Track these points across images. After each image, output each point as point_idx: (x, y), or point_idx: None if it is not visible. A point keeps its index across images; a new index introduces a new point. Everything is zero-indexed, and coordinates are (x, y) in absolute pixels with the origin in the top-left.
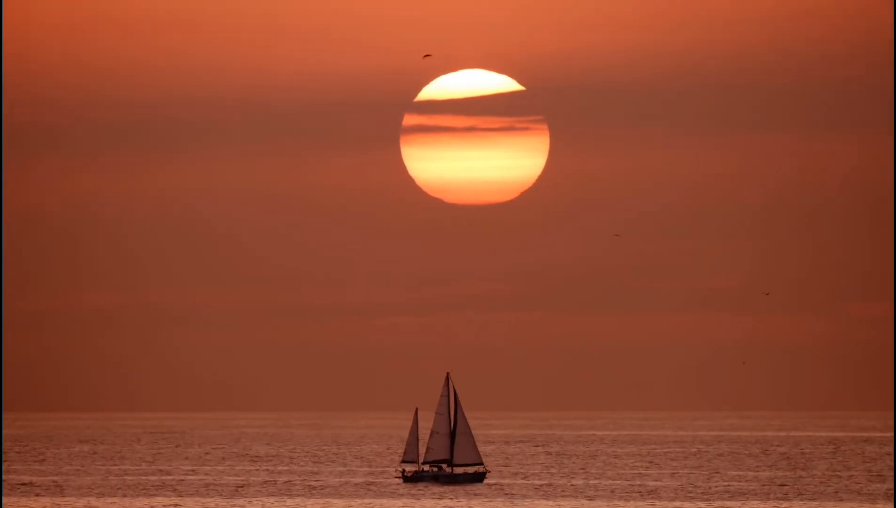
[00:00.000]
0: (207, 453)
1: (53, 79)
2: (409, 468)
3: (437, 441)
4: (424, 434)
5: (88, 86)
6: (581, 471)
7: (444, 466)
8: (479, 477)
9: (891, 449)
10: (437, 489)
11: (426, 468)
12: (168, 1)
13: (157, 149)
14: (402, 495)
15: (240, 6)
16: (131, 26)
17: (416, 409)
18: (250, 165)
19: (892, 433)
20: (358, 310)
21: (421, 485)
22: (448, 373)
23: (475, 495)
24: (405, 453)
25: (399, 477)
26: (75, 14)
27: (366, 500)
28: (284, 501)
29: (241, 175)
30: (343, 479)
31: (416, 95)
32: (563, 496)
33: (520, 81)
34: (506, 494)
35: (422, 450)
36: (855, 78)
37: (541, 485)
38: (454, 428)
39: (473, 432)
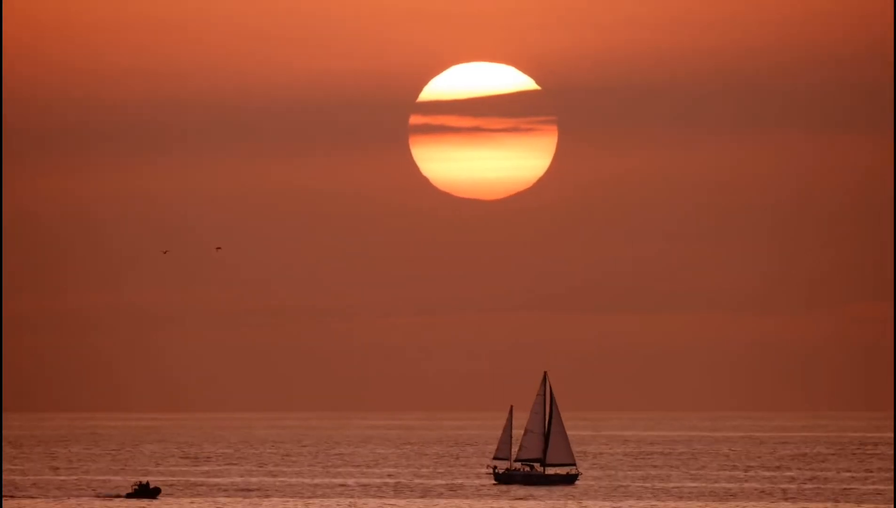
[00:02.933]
0: (301, 453)
1: (40, 81)
2: (501, 465)
3: (531, 440)
4: (518, 433)
5: (78, 88)
6: (675, 472)
7: (536, 465)
8: (570, 479)
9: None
10: (528, 490)
11: (518, 466)
12: (169, 3)
13: (152, 151)
14: (494, 496)
15: (235, 9)
16: (138, 29)
17: (511, 407)
18: (253, 167)
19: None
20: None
21: (513, 486)
22: (545, 372)
23: (567, 496)
24: (497, 450)
25: (490, 474)
26: (66, 17)
27: (458, 500)
28: (379, 501)
29: (243, 177)
30: (434, 480)
31: (420, 91)
32: (656, 498)
33: (536, 81)
34: (598, 496)
35: (514, 448)
36: (857, 80)
37: (633, 487)
38: (549, 428)
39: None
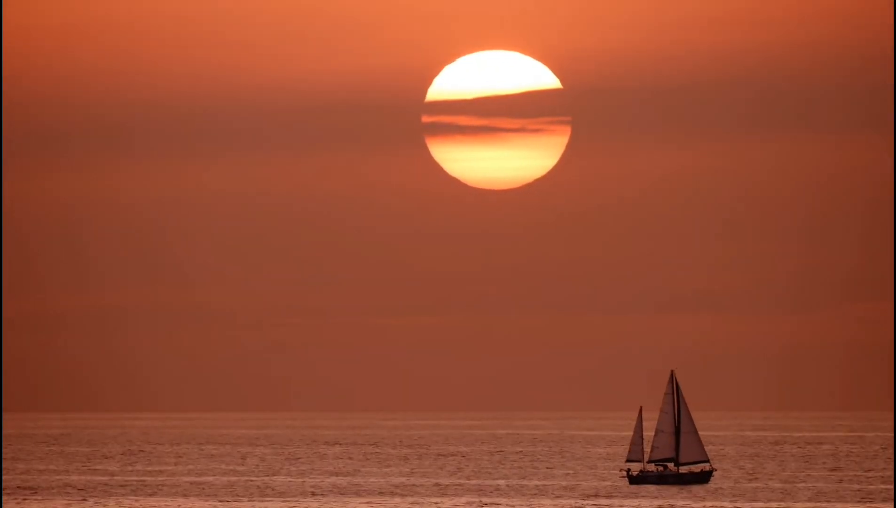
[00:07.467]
0: (405, 453)
1: (13, 83)
2: (634, 467)
3: (663, 440)
4: (648, 434)
5: (51, 88)
6: (808, 471)
7: (669, 465)
8: (704, 476)
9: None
10: (664, 490)
11: (651, 467)
12: (172, 2)
13: (150, 152)
14: (631, 496)
15: (232, 9)
16: (147, 22)
17: (641, 408)
18: (253, 168)
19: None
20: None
21: (649, 487)
22: (672, 371)
23: (702, 495)
24: (630, 452)
25: (624, 477)
26: (42, 18)
27: (595, 501)
28: (508, 501)
29: (242, 178)
30: (569, 481)
31: (427, 89)
32: (790, 497)
33: (560, 81)
34: (734, 494)
35: (646, 449)
36: (856, 78)
37: (769, 485)
38: (679, 426)
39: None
